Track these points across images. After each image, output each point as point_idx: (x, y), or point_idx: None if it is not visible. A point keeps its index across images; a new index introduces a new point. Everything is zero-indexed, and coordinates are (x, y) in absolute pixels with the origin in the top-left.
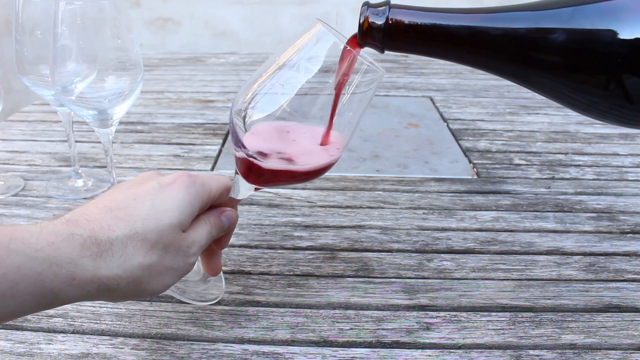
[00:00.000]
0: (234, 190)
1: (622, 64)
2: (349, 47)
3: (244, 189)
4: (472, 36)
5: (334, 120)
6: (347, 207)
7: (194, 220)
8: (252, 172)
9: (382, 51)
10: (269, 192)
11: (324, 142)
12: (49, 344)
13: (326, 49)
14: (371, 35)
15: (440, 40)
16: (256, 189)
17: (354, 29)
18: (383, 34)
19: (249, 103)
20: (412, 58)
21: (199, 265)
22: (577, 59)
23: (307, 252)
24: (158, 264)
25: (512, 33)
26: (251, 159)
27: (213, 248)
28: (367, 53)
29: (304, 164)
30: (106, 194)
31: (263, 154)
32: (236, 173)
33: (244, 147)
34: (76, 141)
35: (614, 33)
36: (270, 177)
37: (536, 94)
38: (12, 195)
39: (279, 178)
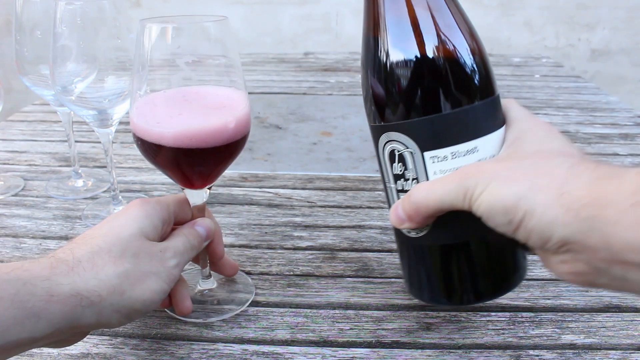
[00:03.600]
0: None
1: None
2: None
3: (191, 193)
4: None
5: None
6: (347, 207)
7: (169, 234)
8: (178, 159)
9: None
10: (268, 192)
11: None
12: None
13: (150, 35)
14: None
15: None
16: (209, 188)
17: (354, 29)
18: None
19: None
20: None
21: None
22: None
23: (307, 252)
24: (134, 269)
25: None
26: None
27: (214, 261)
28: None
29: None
30: None
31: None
32: (182, 190)
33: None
34: (76, 141)
35: None
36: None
37: (536, 94)
38: (12, 195)
39: (201, 157)
